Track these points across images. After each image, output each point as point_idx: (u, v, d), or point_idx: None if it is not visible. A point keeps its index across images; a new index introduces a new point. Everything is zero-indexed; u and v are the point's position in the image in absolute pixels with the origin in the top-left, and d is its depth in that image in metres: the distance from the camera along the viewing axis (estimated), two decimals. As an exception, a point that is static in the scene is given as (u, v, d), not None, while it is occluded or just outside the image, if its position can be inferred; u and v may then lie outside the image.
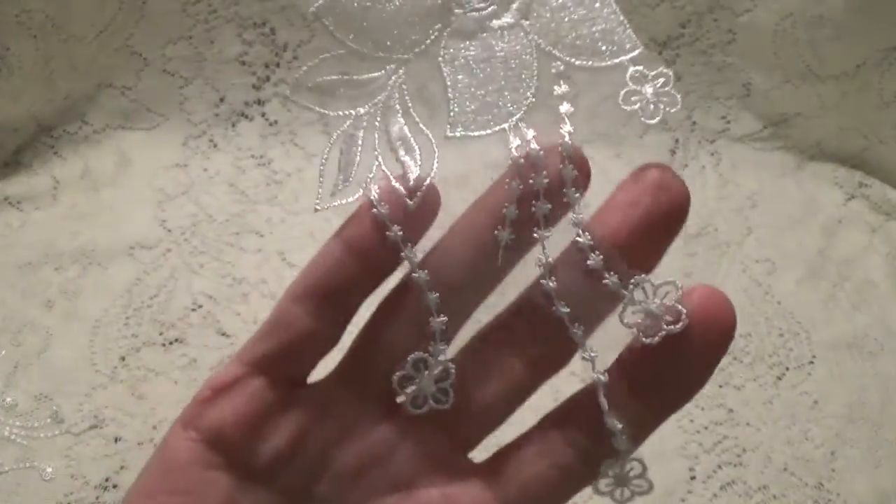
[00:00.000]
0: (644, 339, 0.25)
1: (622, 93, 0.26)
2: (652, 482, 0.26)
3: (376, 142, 0.26)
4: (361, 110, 0.26)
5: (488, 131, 0.26)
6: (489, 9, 0.26)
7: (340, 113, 0.26)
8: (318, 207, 0.26)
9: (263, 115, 0.78)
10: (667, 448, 0.60)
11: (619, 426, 0.25)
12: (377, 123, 0.26)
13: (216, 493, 0.26)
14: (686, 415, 0.61)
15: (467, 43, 0.26)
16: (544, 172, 0.25)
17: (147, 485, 0.27)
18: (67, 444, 0.58)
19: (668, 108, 0.25)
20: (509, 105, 0.26)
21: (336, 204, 0.26)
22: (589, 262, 0.25)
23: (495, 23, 0.26)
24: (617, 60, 0.26)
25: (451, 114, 0.26)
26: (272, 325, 0.27)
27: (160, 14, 0.73)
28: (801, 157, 0.80)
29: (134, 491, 0.27)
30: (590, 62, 0.26)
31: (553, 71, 0.26)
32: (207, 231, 0.72)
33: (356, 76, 0.26)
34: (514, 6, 0.26)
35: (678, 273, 0.71)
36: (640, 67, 0.25)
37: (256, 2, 0.73)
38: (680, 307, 0.24)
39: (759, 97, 0.78)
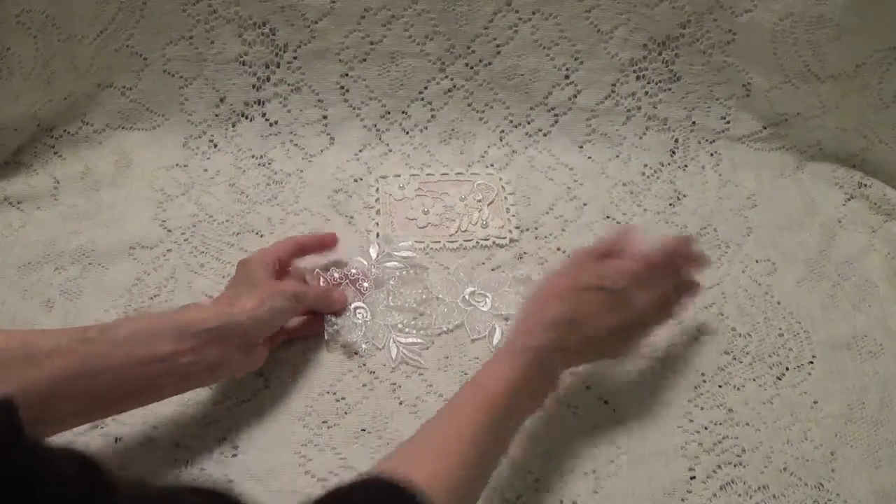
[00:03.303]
0: None
1: None
2: None
3: None
4: None
5: None
6: None
7: None
8: None
9: (263, 115, 0.78)
10: (667, 448, 0.59)
11: None
12: None
13: None
14: (686, 415, 0.61)
15: None
16: None
17: None
18: (67, 444, 0.57)
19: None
20: None
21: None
22: None
23: None
24: None
25: None
26: None
27: (160, 14, 0.73)
28: (801, 157, 0.80)
29: None
30: None
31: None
32: (207, 231, 0.72)
33: None
34: None
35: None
36: None
37: (256, 2, 0.73)
38: None
39: (759, 97, 0.78)
